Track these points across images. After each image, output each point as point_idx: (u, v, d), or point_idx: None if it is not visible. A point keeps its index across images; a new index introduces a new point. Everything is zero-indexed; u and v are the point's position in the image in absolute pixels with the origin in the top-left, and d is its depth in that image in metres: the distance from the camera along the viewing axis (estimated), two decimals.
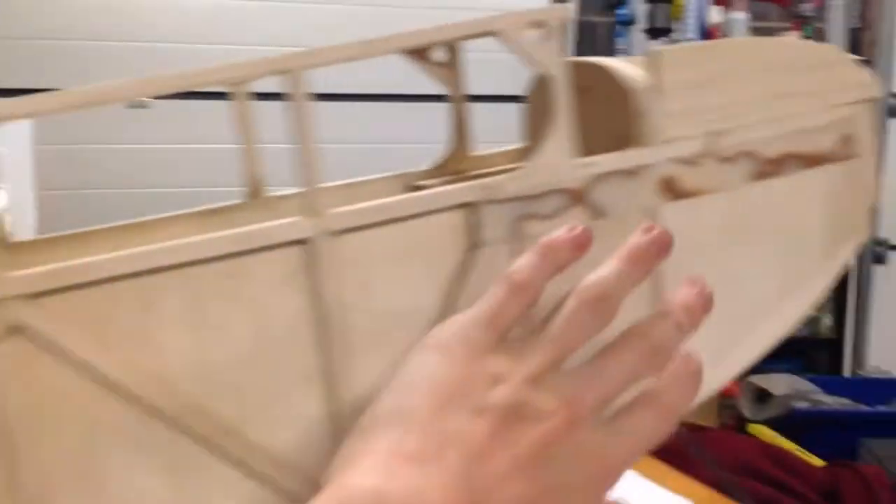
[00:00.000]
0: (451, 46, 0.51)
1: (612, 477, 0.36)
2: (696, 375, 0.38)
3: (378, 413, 0.36)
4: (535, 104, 0.52)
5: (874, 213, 0.53)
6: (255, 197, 0.50)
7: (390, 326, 0.41)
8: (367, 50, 0.40)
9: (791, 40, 0.51)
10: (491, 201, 0.42)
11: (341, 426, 0.40)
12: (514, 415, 0.34)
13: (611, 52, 2.91)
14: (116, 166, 2.56)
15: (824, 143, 0.51)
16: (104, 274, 0.36)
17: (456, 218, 0.42)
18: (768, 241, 0.50)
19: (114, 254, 0.37)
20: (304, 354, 0.40)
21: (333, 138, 2.54)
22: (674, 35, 2.85)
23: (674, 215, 0.46)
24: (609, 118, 0.47)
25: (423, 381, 0.35)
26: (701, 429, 1.58)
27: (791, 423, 2.69)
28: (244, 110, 0.47)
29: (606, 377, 0.36)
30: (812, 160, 0.50)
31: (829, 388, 2.85)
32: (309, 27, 2.64)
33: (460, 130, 0.53)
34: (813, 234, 0.51)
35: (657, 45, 2.77)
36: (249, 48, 2.54)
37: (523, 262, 0.38)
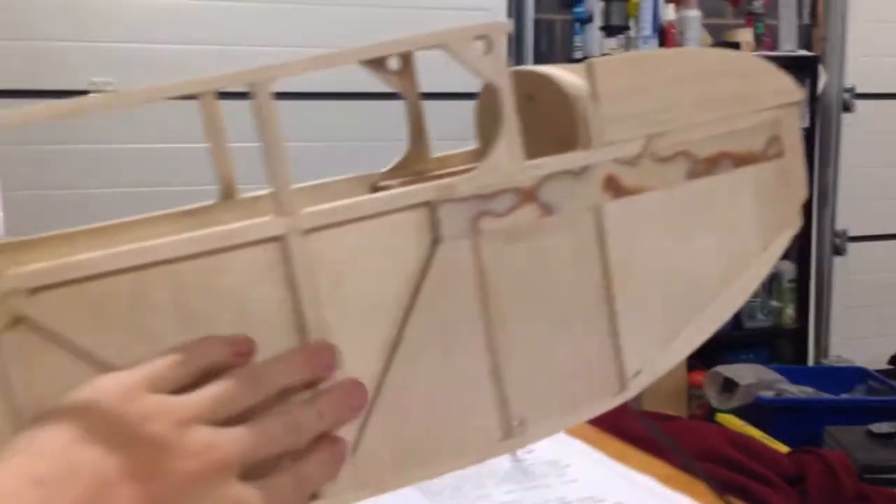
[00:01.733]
0: (405, 56, 0.54)
1: None
2: (335, 460, 0.42)
3: (25, 432, 0.37)
4: (485, 109, 0.55)
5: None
6: (228, 198, 0.52)
7: (362, 317, 0.45)
8: (329, 61, 0.43)
9: (719, 51, 0.56)
10: (448, 200, 0.46)
11: None
12: (155, 451, 0.36)
13: (569, 49, 2.97)
14: (77, 165, 2.54)
15: (754, 144, 0.55)
16: (98, 270, 0.39)
17: (418, 216, 0.45)
18: (707, 233, 0.54)
19: (106, 251, 0.40)
20: (281, 343, 0.43)
21: (300, 136, 2.55)
22: (630, 32, 2.90)
23: (617, 211, 0.50)
24: (554, 123, 0.50)
25: (70, 410, 0.37)
26: (669, 418, 1.61)
27: (757, 411, 2.75)
28: (214, 115, 0.50)
29: (252, 438, 0.39)
30: (743, 159, 0.55)
31: (793, 377, 2.90)
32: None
33: (417, 133, 0.56)
34: (749, 227, 0.56)
35: (612, 47, 2.79)
36: (214, 48, 2.55)
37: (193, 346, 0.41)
